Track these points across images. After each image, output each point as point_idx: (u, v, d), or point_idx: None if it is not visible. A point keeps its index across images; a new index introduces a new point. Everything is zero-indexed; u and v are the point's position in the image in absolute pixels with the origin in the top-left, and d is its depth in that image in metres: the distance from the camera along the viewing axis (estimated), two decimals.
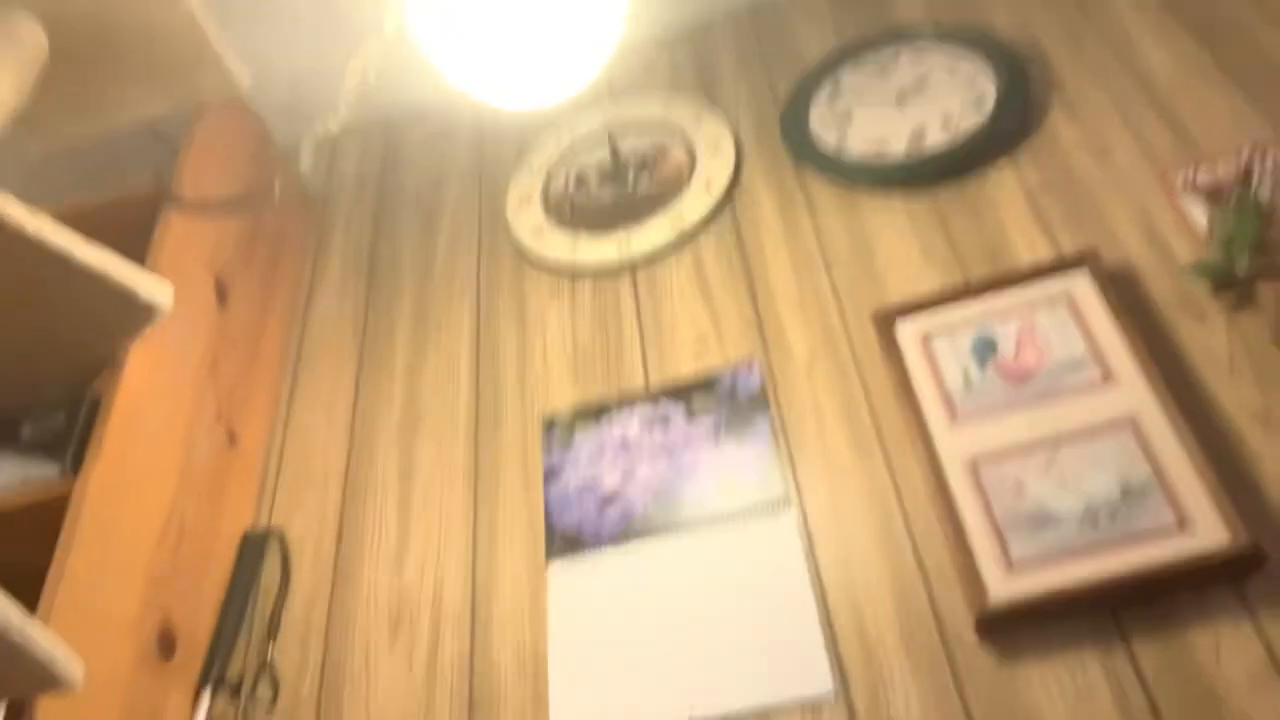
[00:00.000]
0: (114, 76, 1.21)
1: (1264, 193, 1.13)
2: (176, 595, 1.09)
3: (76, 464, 1.07)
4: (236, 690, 1.10)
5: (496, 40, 1.11)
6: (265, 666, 1.12)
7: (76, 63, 1.17)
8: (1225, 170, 1.16)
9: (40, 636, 0.81)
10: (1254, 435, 0.97)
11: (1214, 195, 1.14)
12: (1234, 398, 1.00)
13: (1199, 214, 1.14)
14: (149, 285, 1.10)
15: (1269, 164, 1.15)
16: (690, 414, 1.18)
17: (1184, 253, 1.12)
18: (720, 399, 1.18)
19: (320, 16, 1.58)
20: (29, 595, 0.93)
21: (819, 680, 0.95)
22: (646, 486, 1.13)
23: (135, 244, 1.22)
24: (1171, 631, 0.89)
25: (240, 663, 1.13)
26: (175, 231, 1.27)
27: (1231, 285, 1.07)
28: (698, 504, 1.10)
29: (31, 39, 1.12)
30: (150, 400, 1.15)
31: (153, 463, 1.12)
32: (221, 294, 1.34)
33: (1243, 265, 1.05)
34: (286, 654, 1.14)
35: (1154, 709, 0.86)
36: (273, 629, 1.15)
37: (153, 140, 1.66)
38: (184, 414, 1.19)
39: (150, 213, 1.29)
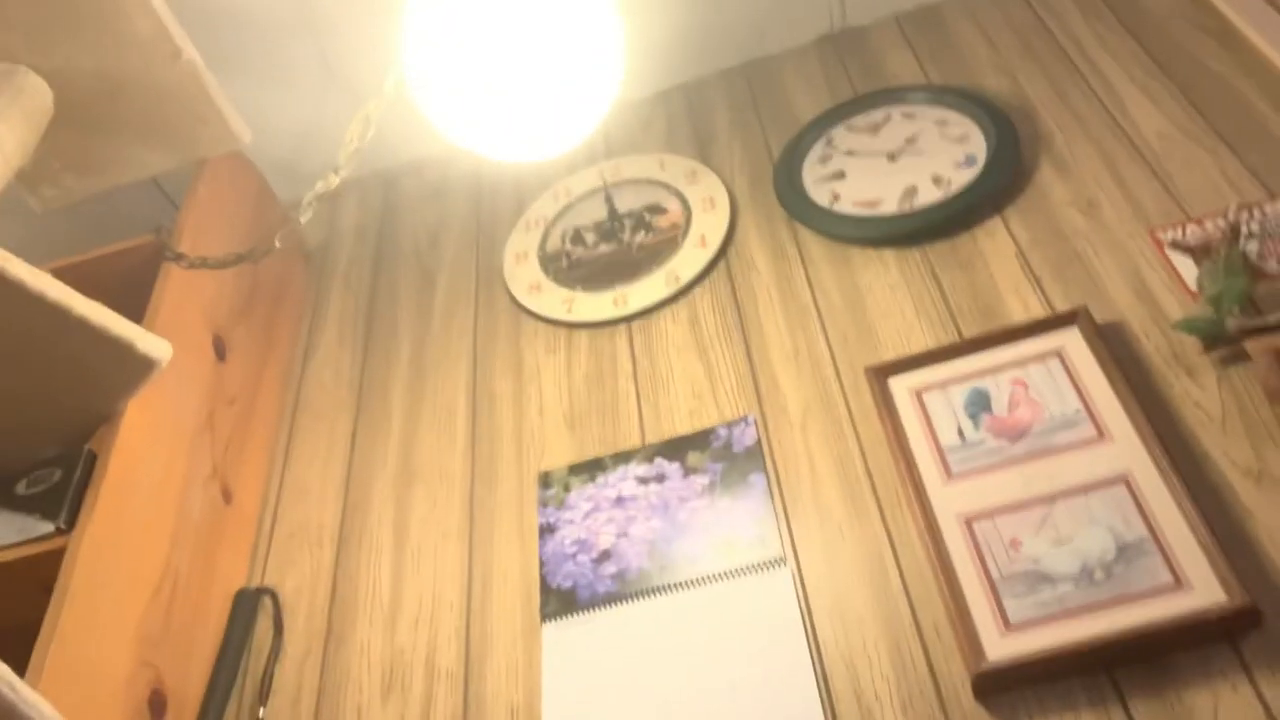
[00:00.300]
0: (117, 133, 1.23)
1: (1252, 249, 1.14)
2: (168, 654, 1.08)
3: (71, 520, 1.06)
4: None
5: (494, 96, 1.13)
6: None
7: (81, 119, 1.19)
8: (1213, 227, 1.18)
9: (30, 698, 0.81)
10: (1247, 492, 0.97)
11: (1202, 252, 1.15)
12: (1227, 454, 1.01)
13: (1188, 270, 1.15)
14: (147, 341, 1.11)
15: (1256, 220, 1.17)
16: (685, 470, 1.18)
17: (1174, 309, 1.13)
18: (715, 455, 1.19)
19: (320, 74, 1.60)
20: (21, 652, 0.92)
21: None
22: (642, 544, 1.13)
23: (134, 298, 1.23)
24: (1169, 692, 0.88)
25: None
26: (174, 286, 1.28)
27: (1221, 341, 1.07)
28: (693, 562, 1.10)
29: (37, 95, 1.14)
30: (146, 456, 1.15)
31: (147, 519, 1.12)
32: (220, 349, 1.34)
33: (1232, 322, 1.06)
34: (278, 715, 1.12)
35: None
36: (264, 689, 1.14)
37: (153, 194, 1.68)
38: (180, 470, 1.19)
39: (150, 267, 1.30)
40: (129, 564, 1.07)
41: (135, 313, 1.16)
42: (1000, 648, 0.92)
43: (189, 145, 1.27)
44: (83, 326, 1.06)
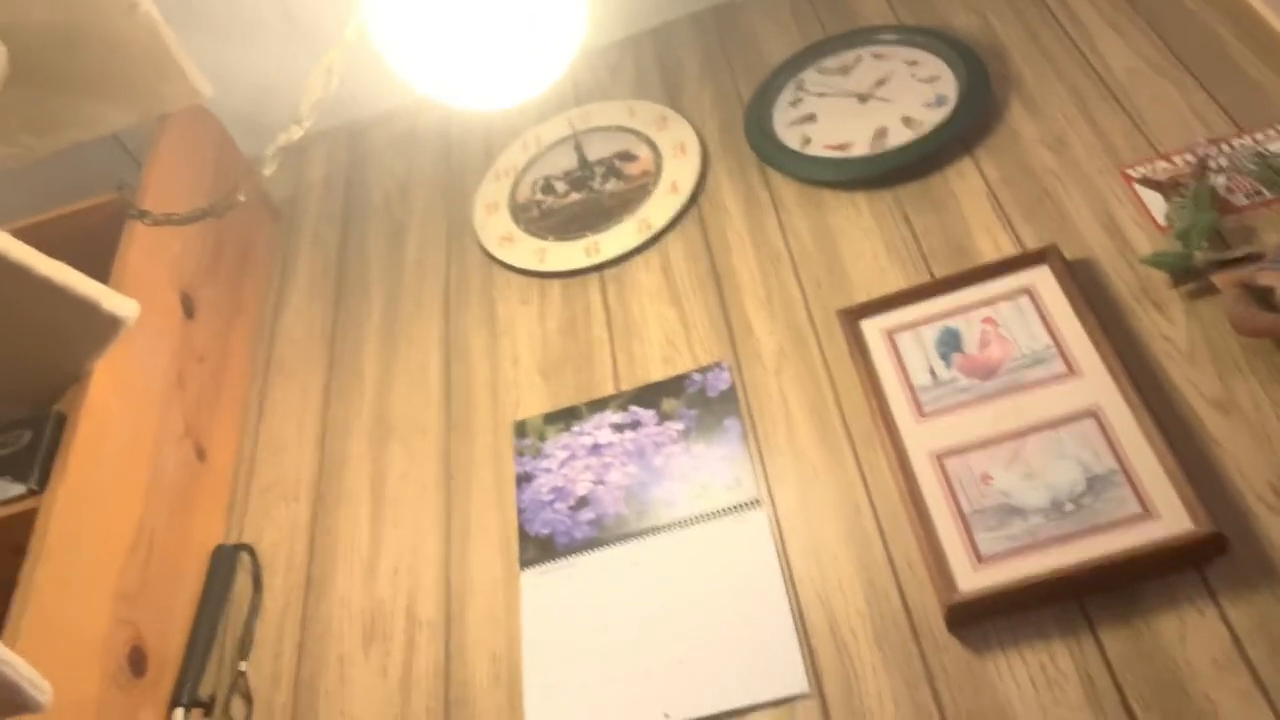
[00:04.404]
0: (75, 89, 1.20)
1: (1220, 183, 1.14)
2: (147, 612, 1.08)
3: (43, 481, 1.06)
4: (209, 707, 1.10)
5: (458, 41, 1.11)
6: (238, 682, 1.11)
7: (37, 76, 1.16)
8: (1182, 162, 1.18)
9: (8, 658, 0.81)
10: (1214, 422, 0.99)
11: (1171, 187, 1.15)
12: (1194, 385, 1.02)
13: (1157, 206, 1.16)
14: (113, 300, 1.10)
15: (1224, 155, 1.17)
16: (660, 416, 1.18)
17: (1143, 244, 1.14)
18: (690, 400, 1.19)
19: (282, 24, 1.57)
20: None
21: (794, 680, 0.96)
22: (618, 490, 1.14)
23: (99, 257, 1.21)
24: (1137, 619, 0.90)
25: (213, 679, 1.13)
26: (139, 244, 1.26)
27: (1190, 275, 1.08)
28: (669, 507, 1.11)
29: None
30: (117, 416, 1.14)
31: (120, 479, 1.11)
32: (188, 306, 1.33)
33: (1200, 256, 1.07)
34: (260, 669, 1.13)
35: (1121, 696, 0.87)
36: (245, 644, 1.14)
37: (115, 151, 1.65)
38: (151, 429, 1.18)
39: (113, 225, 1.28)
40: (103, 523, 1.07)
41: (100, 272, 1.14)
42: (972, 580, 0.94)
43: (149, 100, 1.24)
44: (46, 287, 1.04)
